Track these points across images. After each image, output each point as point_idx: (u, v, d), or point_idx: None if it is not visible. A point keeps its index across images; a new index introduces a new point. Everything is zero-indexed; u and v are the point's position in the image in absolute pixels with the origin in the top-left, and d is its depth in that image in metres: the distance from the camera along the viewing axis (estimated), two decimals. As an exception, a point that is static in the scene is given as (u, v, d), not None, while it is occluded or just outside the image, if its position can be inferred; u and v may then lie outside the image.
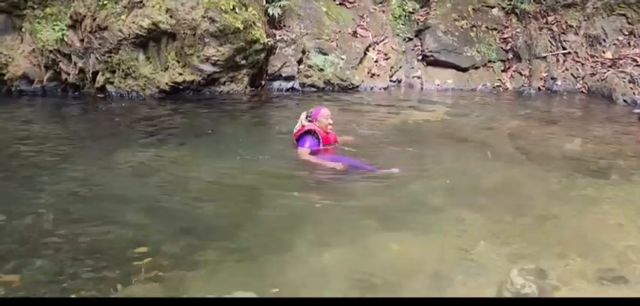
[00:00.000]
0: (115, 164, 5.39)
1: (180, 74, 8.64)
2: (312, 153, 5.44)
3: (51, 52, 8.72)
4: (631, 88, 9.48)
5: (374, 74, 10.17)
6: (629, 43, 10.45)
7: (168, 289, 3.17)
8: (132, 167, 5.35)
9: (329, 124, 5.51)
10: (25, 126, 7.00)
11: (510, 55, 10.88)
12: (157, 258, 3.51)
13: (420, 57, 10.69)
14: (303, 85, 9.68)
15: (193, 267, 3.43)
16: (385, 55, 10.42)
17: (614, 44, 10.52)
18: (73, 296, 3.08)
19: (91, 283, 3.20)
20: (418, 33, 10.83)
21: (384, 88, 10.10)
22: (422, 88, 10.38)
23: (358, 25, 10.50)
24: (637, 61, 9.99)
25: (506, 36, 10.96)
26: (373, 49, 10.41)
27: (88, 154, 5.76)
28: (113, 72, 8.70)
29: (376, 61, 10.31)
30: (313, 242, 3.81)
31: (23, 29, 8.89)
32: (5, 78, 8.91)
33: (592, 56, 10.60)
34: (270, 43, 9.22)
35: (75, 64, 8.79)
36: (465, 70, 10.59)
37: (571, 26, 10.76)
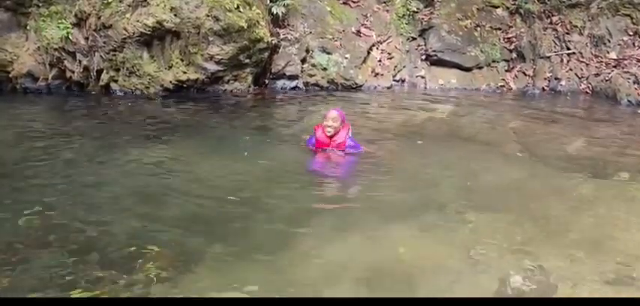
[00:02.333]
0: (118, 162, 5.41)
1: (185, 73, 8.66)
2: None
3: (56, 50, 8.74)
4: (635, 89, 9.47)
5: (377, 73, 10.16)
6: (633, 44, 10.43)
7: (172, 287, 3.18)
8: (135, 165, 5.36)
9: (326, 125, 5.52)
10: (29, 123, 7.01)
11: (514, 55, 10.85)
12: (160, 256, 3.52)
13: (423, 56, 10.68)
14: (306, 84, 9.68)
15: (197, 265, 3.43)
16: (389, 54, 10.41)
17: (619, 45, 10.50)
18: (72, 295, 3.07)
19: (91, 282, 3.19)
20: (422, 32, 10.81)
21: (388, 88, 10.10)
22: (425, 88, 10.37)
23: (362, 25, 10.49)
24: (641, 62, 9.97)
25: (510, 36, 10.94)
26: (377, 48, 10.40)
27: (91, 151, 5.77)
28: (117, 70, 8.72)
29: (380, 61, 10.31)
30: (318, 240, 3.82)
31: (28, 27, 8.90)
32: (10, 76, 8.92)
33: (596, 56, 10.58)
34: (273, 42, 9.23)
35: (79, 62, 8.81)
36: (468, 69, 10.57)
37: (575, 26, 10.75)
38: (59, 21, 8.67)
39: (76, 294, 3.08)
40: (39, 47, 8.84)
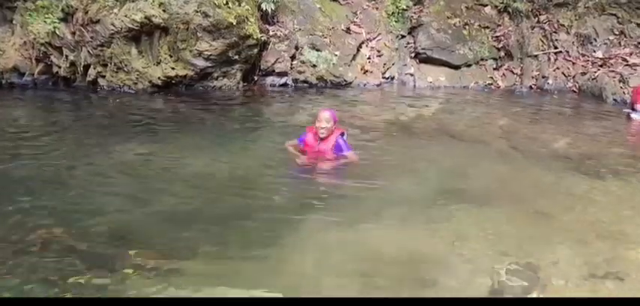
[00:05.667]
0: (106, 159, 5.35)
1: (173, 69, 8.60)
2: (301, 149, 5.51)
3: (42, 44, 8.63)
4: (621, 88, 9.59)
5: (367, 71, 10.17)
6: (619, 43, 10.56)
7: (164, 285, 3.14)
8: (123, 162, 5.31)
9: (319, 127, 5.32)
10: (15, 119, 6.93)
11: (502, 54, 10.93)
12: (152, 254, 3.47)
13: (412, 54, 10.71)
14: (296, 81, 9.67)
15: (189, 262, 3.41)
16: (378, 51, 10.43)
17: (605, 44, 10.64)
18: (59, 295, 3.01)
19: (79, 281, 3.14)
20: (411, 30, 10.83)
21: (377, 85, 10.12)
22: (414, 86, 10.40)
23: (352, 22, 10.49)
24: (627, 61, 10.11)
25: (498, 34, 11.01)
26: (366, 45, 10.41)
27: (78, 147, 5.71)
28: (105, 66, 8.64)
29: (369, 58, 10.32)
30: (307, 235, 3.82)
31: (14, 21, 8.78)
32: (-4, 70, 8.83)
33: (583, 55, 10.70)
34: (263, 39, 9.20)
35: (66, 57, 8.71)
36: (457, 67, 10.63)
37: (563, 25, 10.85)
38: (46, 15, 8.56)
39: (66, 294, 3.03)
40: (25, 42, 8.73)
